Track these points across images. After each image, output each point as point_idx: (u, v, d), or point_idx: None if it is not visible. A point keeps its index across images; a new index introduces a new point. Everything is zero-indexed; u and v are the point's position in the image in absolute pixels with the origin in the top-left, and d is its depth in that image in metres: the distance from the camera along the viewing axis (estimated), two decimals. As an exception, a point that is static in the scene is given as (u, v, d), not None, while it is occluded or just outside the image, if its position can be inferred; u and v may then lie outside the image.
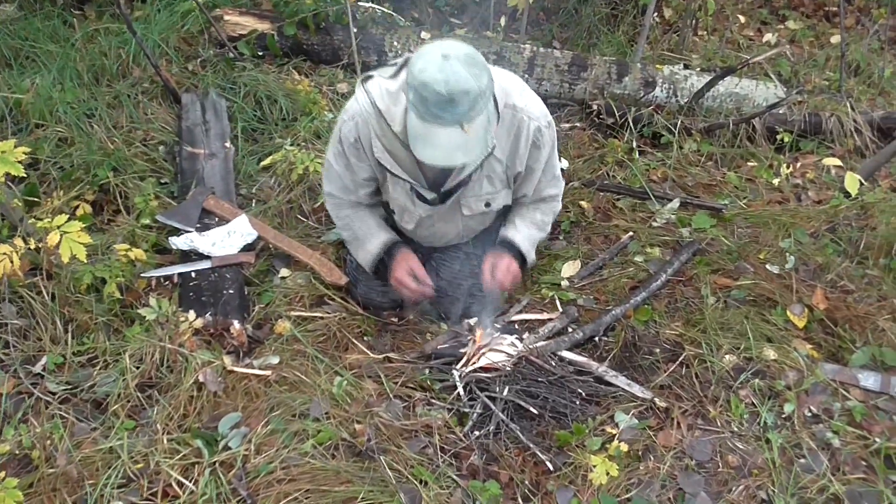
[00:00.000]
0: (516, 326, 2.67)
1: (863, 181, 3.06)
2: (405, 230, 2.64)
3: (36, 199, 2.86)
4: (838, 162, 3.38)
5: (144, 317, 2.46)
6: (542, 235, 2.71)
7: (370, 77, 2.31)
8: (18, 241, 2.31)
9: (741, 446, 2.23)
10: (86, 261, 2.29)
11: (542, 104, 2.42)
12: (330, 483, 2.04)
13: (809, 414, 2.33)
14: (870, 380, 2.44)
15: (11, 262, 2.26)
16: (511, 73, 2.45)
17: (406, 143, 2.22)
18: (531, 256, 2.66)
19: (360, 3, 4.02)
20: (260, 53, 3.90)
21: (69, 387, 2.32)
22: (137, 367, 2.34)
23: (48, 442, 2.11)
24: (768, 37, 4.98)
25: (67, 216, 2.32)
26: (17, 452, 2.09)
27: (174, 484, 2.04)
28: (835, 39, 4.87)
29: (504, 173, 2.45)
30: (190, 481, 2.04)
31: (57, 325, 2.46)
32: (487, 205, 2.52)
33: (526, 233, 2.63)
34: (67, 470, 2.03)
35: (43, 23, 3.71)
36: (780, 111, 3.86)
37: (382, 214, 2.68)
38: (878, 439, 2.24)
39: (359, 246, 2.64)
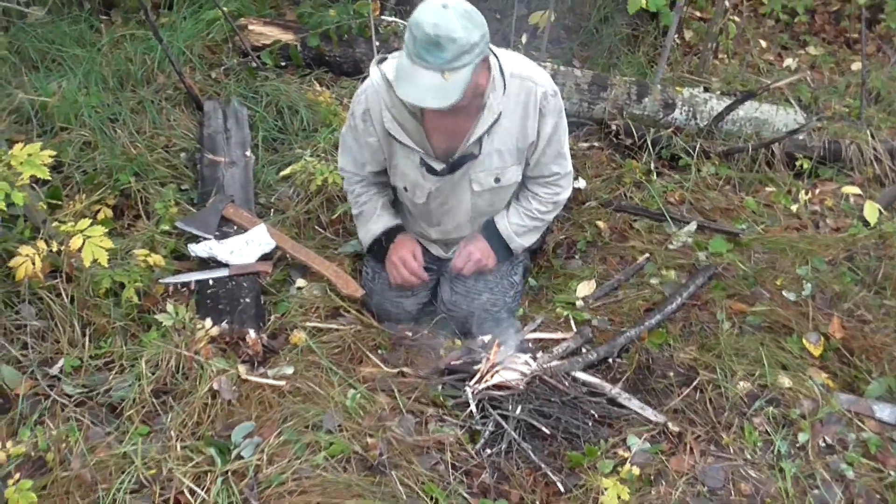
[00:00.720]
0: (530, 345, 2.66)
1: (882, 210, 3.05)
2: (416, 209, 2.68)
3: (58, 202, 2.89)
4: (857, 190, 3.37)
5: (161, 323, 2.48)
6: (537, 225, 2.74)
7: (384, 59, 2.39)
8: (41, 244, 2.34)
9: (754, 474, 2.21)
10: (106, 265, 2.31)
11: (548, 75, 2.49)
12: (341, 496, 2.04)
13: (824, 444, 2.32)
14: (885, 411, 2.43)
15: (33, 263, 2.29)
16: (518, 53, 2.55)
17: (414, 112, 2.35)
18: (515, 243, 2.72)
19: (382, 17, 4.06)
20: (283, 64, 3.93)
21: (85, 390, 2.34)
22: (153, 373, 2.36)
23: (63, 445, 2.12)
24: (789, 62, 4.98)
25: (90, 220, 2.34)
26: (32, 454, 2.11)
27: (186, 491, 2.04)
28: (855, 66, 4.86)
29: (515, 146, 2.48)
30: (202, 489, 2.05)
31: (75, 328, 2.48)
32: (497, 180, 2.54)
33: (516, 220, 2.69)
34: (81, 473, 2.04)
35: (70, 27, 3.75)
36: (800, 137, 3.86)
37: (391, 198, 2.76)
38: (892, 472, 2.22)
39: (363, 222, 2.75)
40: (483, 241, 2.70)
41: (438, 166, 2.46)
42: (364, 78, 3.87)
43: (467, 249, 2.69)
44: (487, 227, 2.71)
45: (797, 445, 2.30)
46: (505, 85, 2.35)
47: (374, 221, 2.72)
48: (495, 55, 2.33)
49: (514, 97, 2.39)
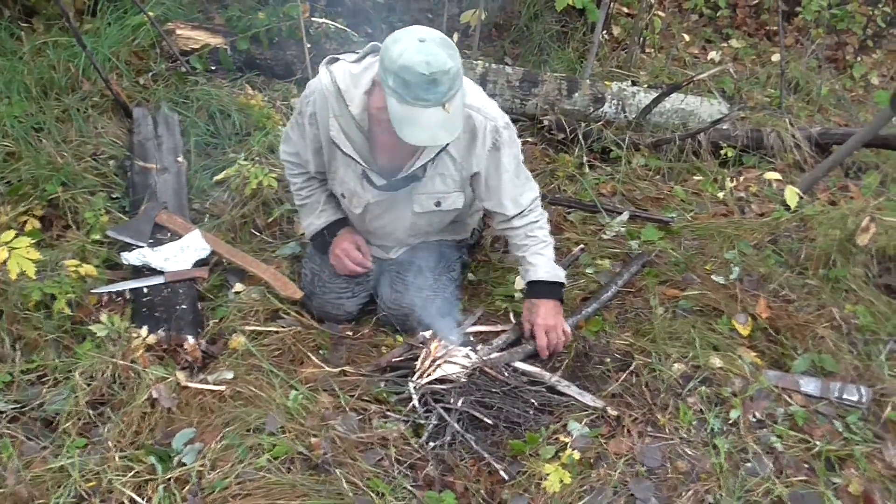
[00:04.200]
0: (471, 338, 2.70)
1: (802, 194, 3.18)
2: (353, 217, 2.68)
3: (-18, 215, 2.81)
4: (779, 176, 3.51)
5: (96, 333, 2.43)
6: (553, 248, 2.68)
7: (335, 59, 2.36)
8: (-36, 258, 2.27)
9: (690, 452, 2.29)
10: (35, 277, 2.26)
11: (499, 108, 2.47)
12: (286, 497, 2.03)
13: (754, 419, 2.40)
14: (810, 385, 2.53)
15: (-43, 278, 2.23)
16: (472, 82, 2.50)
17: (361, 125, 2.31)
18: (560, 276, 2.63)
19: (313, 19, 4.04)
20: (213, 68, 3.88)
21: (18, 405, 2.28)
22: (89, 385, 2.31)
23: (-4, 461, 2.07)
24: (712, 55, 5.16)
25: (16, 232, 2.29)
26: (-37, 473, 2.05)
27: (127, 502, 2.02)
28: (775, 58, 5.05)
29: (458, 173, 2.48)
30: (144, 499, 2.03)
31: (5, 343, 2.42)
32: (438, 204, 2.55)
33: (541, 262, 2.61)
34: (17, 490, 2.00)
35: (-11, 35, 3.65)
36: (724, 127, 3.99)
37: (327, 189, 2.72)
38: (818, 443, 2.31)
39: (307, 214, 2.75)
40: (542, 306, 2.58)
41: (379, 181, 2.45)
42: (295, 79, 3.92)
43: (539, 328, 2.56)
44: (533, 290, 2.61)
45: (729, 422, 2.38)
46: None
47: (317, 215, 2.71)
48: None
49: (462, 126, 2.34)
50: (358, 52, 2.35)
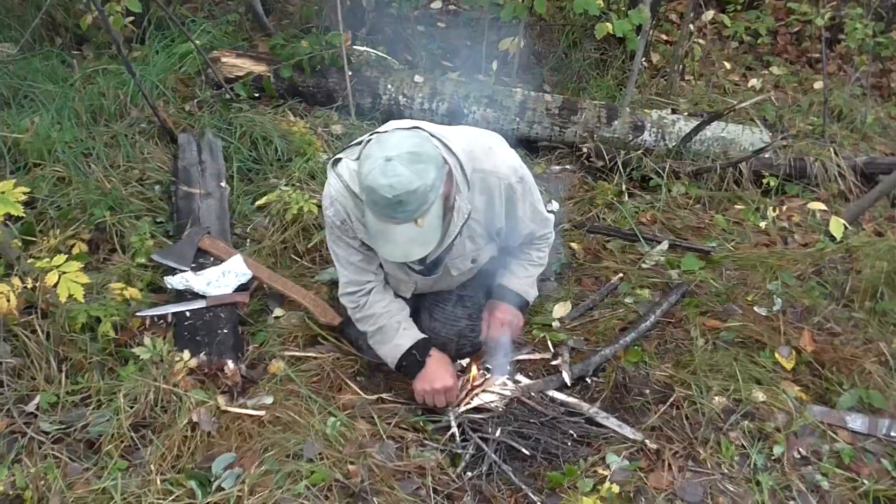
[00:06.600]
0: (509, 368, 2.68)
1: (847, 225, 3.13)
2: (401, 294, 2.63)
3: (32, 238, 2.88)
4: (823, 206, 3.45)
5: (139, 356, 2.47)
6: (541, 269, 2.75)
7: (339, 160, 2.32)
8: (16, 281, 2.33)
9: (732, 488, 2.25)
10: (82, 300, 2.31)
11: (511, 157, 2.42)
12: (323, 525, 2.04)
13: (798, 456, 2.35)
14: (857, 422, 2.47)
15: (8, 300, 2.28)
16: (475, 132, 2.46)
17: None
18: (530, 296, 2.70)
19: (354, 47, 4.11)
20: (256, 95, 3.96)
21: (62, 426, 2.32)
22: (131, 407, 2.34)
23: (41, 482, 2.11)
24: (753, 82, 5.10)
25: (65, 256, 2.34)
26: (9, 493, 2.09)
27: (167, 525, 2.04)
28: (818, 85, 4.98)
29: (485, 230, 2.47)
30: (183, 523, 2.05)
31: (51, 365, 2.47)
32: (473, 261, 2.54)
33: (523, 274, 2.68)
34: (60, 511, 2.03)
35: (42, 63, 3.76)
36: (766, 155, 3.94)
37: (409, 310, 2.61)
38: (866, 481, 2.26)
39: (387, 338, 2.52)
40: (504, 304, 2.67)
41: (418, 267, 2.39)
42: (336, 106, 3.98)
43: (496, 320, 2.65)
44: (500, 293, 2.68)
45: (773, 458, 2.34)
46: (468, 182, 2.29)
47: (399, 335, 2.51)
48: (455, 154, 2.23)
49: (478, 190, 2.34)
50: (358, 144, 2.27)
